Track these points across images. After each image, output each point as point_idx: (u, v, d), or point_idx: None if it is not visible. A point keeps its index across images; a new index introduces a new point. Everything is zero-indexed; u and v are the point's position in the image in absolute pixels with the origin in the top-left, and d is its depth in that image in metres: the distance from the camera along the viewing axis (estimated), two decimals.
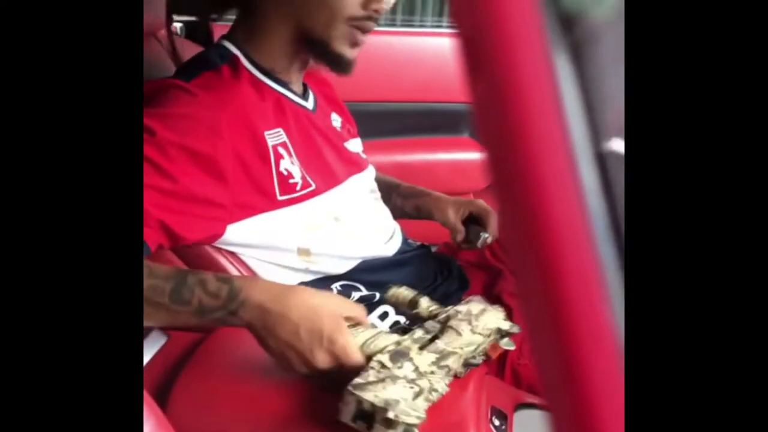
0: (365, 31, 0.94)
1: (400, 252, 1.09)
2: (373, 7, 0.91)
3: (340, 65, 0.95)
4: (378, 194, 1.14)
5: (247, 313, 0.71)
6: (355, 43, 0.95)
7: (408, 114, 1.72)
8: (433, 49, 1.73)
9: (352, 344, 0.70)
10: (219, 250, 0.91)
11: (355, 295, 0.98)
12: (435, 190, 1.67)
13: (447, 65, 1.72)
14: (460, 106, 1.72)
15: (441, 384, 0.70)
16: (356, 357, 0.70)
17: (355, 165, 1.08)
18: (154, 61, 1.10)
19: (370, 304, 0.98)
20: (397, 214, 1.19)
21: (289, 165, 0.92)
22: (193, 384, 0.74)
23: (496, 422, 0.72)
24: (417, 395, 0.66)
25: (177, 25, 1.43)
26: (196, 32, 1.38)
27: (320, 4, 0.92)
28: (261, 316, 0.70)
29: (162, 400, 0.71)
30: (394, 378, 0.66)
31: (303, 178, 0.94)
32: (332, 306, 0.72)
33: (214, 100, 0.86)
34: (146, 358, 0.81)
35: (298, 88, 1.02)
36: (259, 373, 0.76)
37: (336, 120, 1.13)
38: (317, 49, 0.95)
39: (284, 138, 0.94)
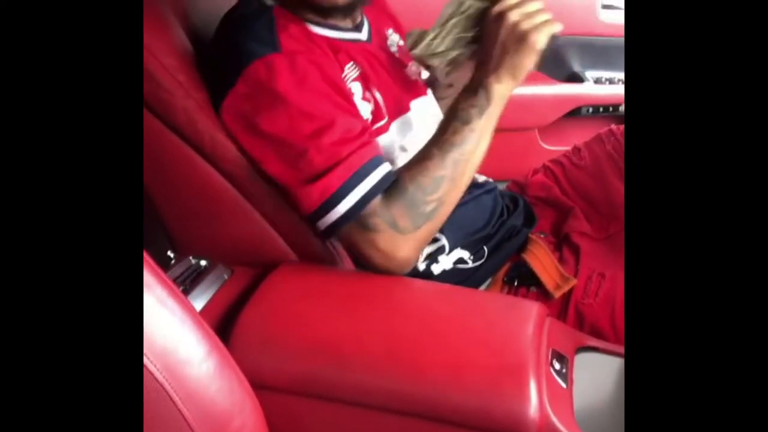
0: None
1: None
2: None
3: (344, 10, 0.93)
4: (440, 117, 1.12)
5: (496, 88, 0.88)
6: None
7: None
8: None
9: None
10: None
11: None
12: (499, 126, 1.63)
13: None
14: None
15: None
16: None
17: (415, 89, 1.06)
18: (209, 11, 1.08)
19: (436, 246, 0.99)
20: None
21: (359, 101, 0.92)
22: (254, 321, 0.76)
23: (557, 365, 0.72)
24: None
25: None
26: None
27: None
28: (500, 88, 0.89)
29: (224, 336, 0.72)
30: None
31: (374, 112, 0.93)
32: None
33: (312, 54, 0.86)
34: (210, 295, 0.83)
35: (348, 23, 0.98)
36: (317, 313, 0.77)
37: (393, 40, 1.09)
38: (314, 9, 0.91)
39: (358, 71, 0.93)
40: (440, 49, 0.92)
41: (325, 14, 0.92)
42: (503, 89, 0.89)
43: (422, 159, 0.87)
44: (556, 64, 1.74)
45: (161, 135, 0.86)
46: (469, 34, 0.92)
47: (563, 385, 0.71)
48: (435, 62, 0.94)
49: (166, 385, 0.58)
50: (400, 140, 0.98)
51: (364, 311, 0.78)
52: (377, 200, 0.84)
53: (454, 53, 0.93)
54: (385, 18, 1.11)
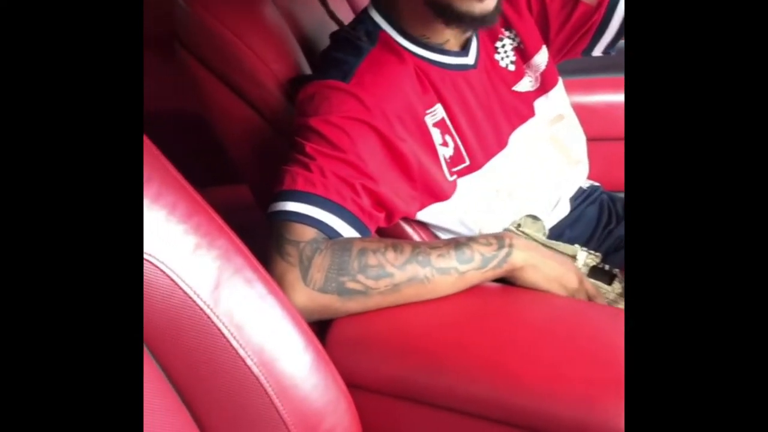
0: None
1: (572, 201, 1.05)
2: None
3: (474, 22, 0.89)
4: (557, 128, 1.07)
5: (519, 254, 0.79)
6: None
7: None
8: None
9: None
10: (413, 226, 0.94)
11: None
12: (617, 135, 1.56)
13: None
14: None
15: None
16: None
17: (520, 115, 1.03)
18: (319, 24, 1.12)
19: None
20: None
21: (441, 147, 0.91)
22: (352, 320, 0.77)
23: None
24: None
25: None
26: None
27: None
28: (532, 255, 0.80)
29: (321, 334, 0.74)
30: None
31: (452, 158, 0.92)
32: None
33: (378, 98, 0.85)
34: None
35: (456, 45, 0.97)
36: (415, 315, 0.77)
37: (506, 49, 1.04)
38: (443, 13, 0.88)
39: (442, 114, 0.92)
40: None
41: (451, 21, 0.89)
42: (521, 266, 0.80)
43: (391, 245, 0.77)
44: None
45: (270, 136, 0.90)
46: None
47: None
48: None
49: (261, 378, 0.60)
50: (493, 181, 0.96)
51: (463, 316, 0.78)
52: (311, 234, 0.76)
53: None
54: (507, 23, 1.05)
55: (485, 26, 0.93)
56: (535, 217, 0.93)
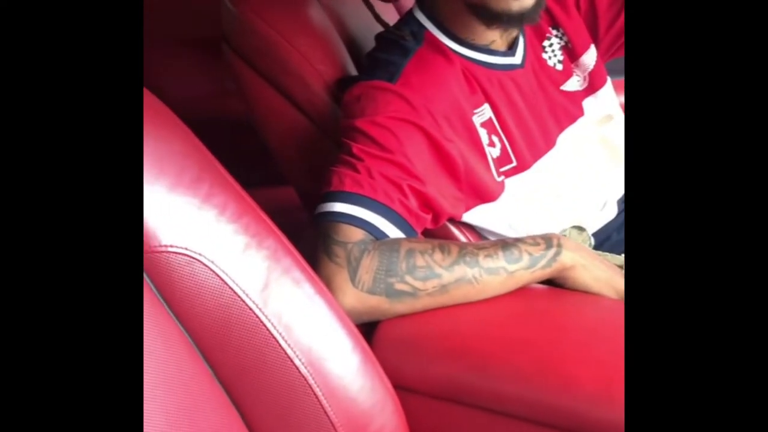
0: None
1: (619, 204, 1.03)
2: None
3: (512, 21, 0.87)
4: (607, 128, 1.05)
5: (567, 254, 0.78)
6: None
7: None
8: None
9: None
10: (460, 228, 0.93)
11: None
12: None
13: None
14: None
15: None
16: None
17: (568, 115, 1.01)
18: (365, 25, 1.11)
19: None
20: None
21: (488, 148, 0.90)
22: (399, 321, 0.76)
23: None
24: None
25: None
26: None
27: None
28: (581, 256, 0.79)
29: (368, 335, 0.73)
30: None
31: (499, 158, 0.91)
32: None
33: (425, 99, 0.84)
34: None
35: (503, 45, 0.96)
36: (464, 316, 0.76)
37: (553, 48, 1.03)
38: (481, 14, 0.88)
39: (489, 114, 0.91)
40: None
41: (490, 21, 0.88)
42: (571, 266, 0.79)
43: (438, 245, 0.77)
44: None
45: (315, 137, 0.90)
46: None
47: None
48: None
49: (309, 379, 0.60)
50: (541, 182, 0.95)
51: (511, 317, 0.77)
52: (359, 235, 0.76)
53: None
54: (552, 21, 1.04)
55: (526, 24, 0.91)
56: (580, 228, 0.92)
